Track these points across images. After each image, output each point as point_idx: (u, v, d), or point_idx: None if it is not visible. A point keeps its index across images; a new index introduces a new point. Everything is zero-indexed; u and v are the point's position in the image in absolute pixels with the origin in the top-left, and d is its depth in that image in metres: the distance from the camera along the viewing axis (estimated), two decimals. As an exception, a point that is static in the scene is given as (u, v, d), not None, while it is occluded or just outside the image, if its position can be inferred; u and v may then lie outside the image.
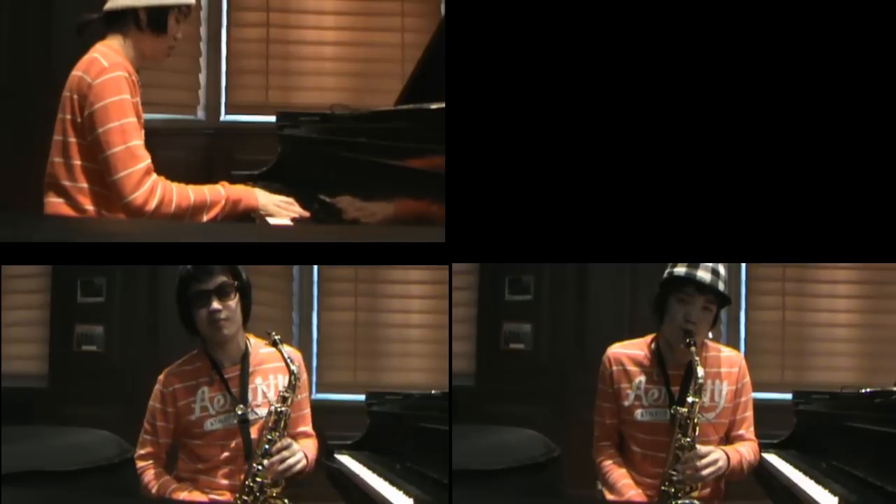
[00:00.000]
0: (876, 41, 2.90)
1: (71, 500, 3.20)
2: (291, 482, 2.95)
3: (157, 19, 3.15)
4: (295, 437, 2.99)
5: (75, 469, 3.30)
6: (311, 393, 3.18)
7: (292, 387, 2.88)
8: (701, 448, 2.85)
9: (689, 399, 2.84)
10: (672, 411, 2.88)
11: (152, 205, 3.05)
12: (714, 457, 2.84)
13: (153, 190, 3.06)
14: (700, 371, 2.84)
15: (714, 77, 2.91)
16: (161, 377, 2.97)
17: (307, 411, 3.05)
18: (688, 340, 2.85)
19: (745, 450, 2.95)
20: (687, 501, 2.84)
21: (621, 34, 2.91)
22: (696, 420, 2.84)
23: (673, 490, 2.85)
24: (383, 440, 3.80)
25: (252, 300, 2.98)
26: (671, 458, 2.85)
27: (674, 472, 2.84)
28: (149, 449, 2.96)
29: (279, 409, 2.86)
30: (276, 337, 2.90)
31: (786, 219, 2.92)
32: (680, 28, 2.91)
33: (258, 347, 2.98)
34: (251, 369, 2.95)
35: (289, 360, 2.89)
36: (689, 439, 2.84)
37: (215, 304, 2.87)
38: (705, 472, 2.83)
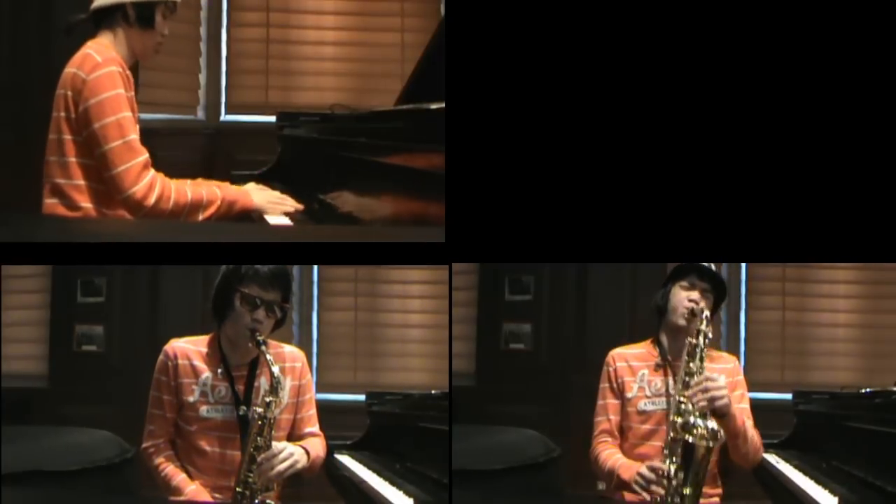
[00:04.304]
0: (876, 41, 2.90)
1: (71, 500, 3.20)
2: (293, 481, 2.94)
3: (144, 14, 3.16)
4: (301, 438, 2.98)
5: (75, 469, 3.30)
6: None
7: (274, 391, 2.84)
8: (709, 373, 2.86)
9: (699, 327, 2.88)
10: (673, 392, 2.91)
11: (151, 199, 3.05)
12: (723, 382, 2.84)
13: (152, 185, 3.06)
14: (706, 311, 2.92)
15: (714, 77, 2.91)
16: (167, 347, 2.97)
17: (313, 412, 3.04)
18: (692, 309, 2.94)
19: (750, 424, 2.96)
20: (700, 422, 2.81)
21: (621, 34, 2.91)
22: (704, 344, 2.86)
23: (682, 410, 2.83)
24: (383, 440, 3.80)
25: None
26: (679, 386, 2.86)
27: (682, 399, 2.83)
28: (157, 424, 2.95)
29: (263, 415, 2.83)
30: (260, 338, 2.87)
31: (786, 219, 2.93)
32: (680, 28, 2.91)
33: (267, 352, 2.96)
34: (258, 371, 2.95)
35: (270, 362, 2.85)
36: (698, 363, 2.85)
37: (260, 315, 2.87)
38: (716, 392, 2.80)
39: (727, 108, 2.92)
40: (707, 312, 2.93)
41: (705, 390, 2.81)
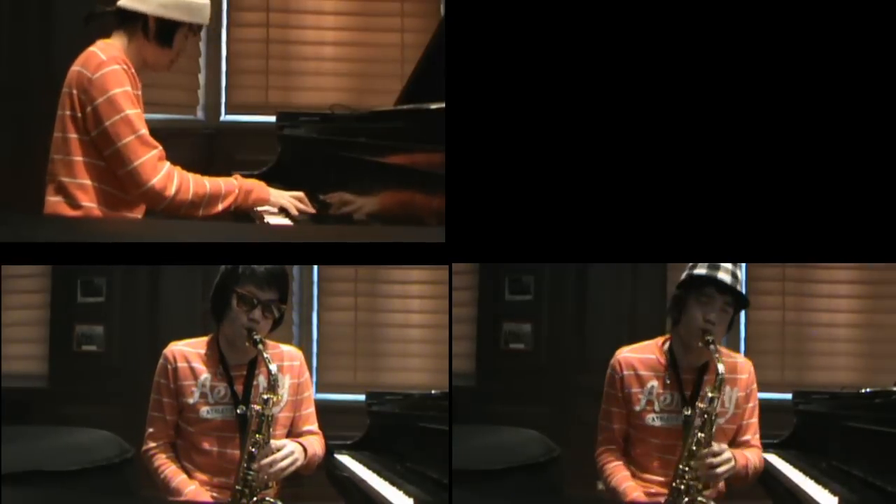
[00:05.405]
0: (876, 41, 2.90)
1: (71, 500, 3.20)
2: (292, 480, 2.96)
3: (165, 32, 3.15)
4: (300, 436, 3.01)
5: (75, 469, 3.30)
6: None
7: (272, 388, 2.87)
8: (715, 446, 2.83)
9: (710, 395, 2.82)
10: (686, 412, 2.87)
11: (171, 190, 3.05)
12: (727, 455, 2.83)
13: (170, 176, 3.06)
14: (721, 367, 2.82)
15: (714, 77, 2.91)
16: (166, 351, 2.99)
17: (312, 410, 3.06)
18: (707, 339, 2.84)
19: (752, 455, 2.95)
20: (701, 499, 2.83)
21: (621, 34, 2.91)
22: (714, 417, 2.82)
23: (684, 487, 2.83)
24: (383, 440, 3.80)
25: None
26: (685, 454, 2.83)
27: (687, 469, 2.82)
28: (158, 427, 2.97)
29: (260, 412, 2.85)
30: (257, 337, 2.89)
31: (786, 219, 2.93)
32: (680, 28, 2.91)
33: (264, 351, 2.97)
34: (257, 370, 2.96)
35: (268, 360, 2.87)
36: (704, 435, 2.82)
37: (257, 315, 2.89)
38: (720, 469, 2.82)
39: (727, 108, 2.92)
40: (722, 370, 2.82)
41: (710, 466, 2.80)
